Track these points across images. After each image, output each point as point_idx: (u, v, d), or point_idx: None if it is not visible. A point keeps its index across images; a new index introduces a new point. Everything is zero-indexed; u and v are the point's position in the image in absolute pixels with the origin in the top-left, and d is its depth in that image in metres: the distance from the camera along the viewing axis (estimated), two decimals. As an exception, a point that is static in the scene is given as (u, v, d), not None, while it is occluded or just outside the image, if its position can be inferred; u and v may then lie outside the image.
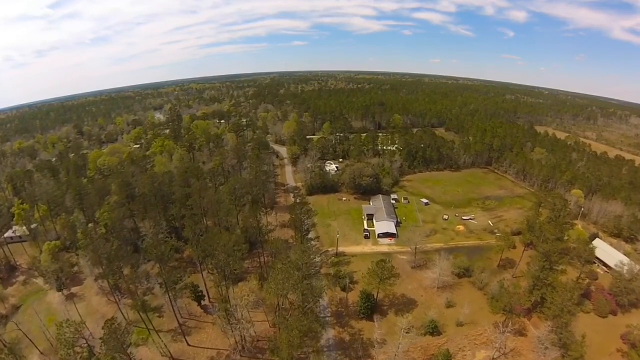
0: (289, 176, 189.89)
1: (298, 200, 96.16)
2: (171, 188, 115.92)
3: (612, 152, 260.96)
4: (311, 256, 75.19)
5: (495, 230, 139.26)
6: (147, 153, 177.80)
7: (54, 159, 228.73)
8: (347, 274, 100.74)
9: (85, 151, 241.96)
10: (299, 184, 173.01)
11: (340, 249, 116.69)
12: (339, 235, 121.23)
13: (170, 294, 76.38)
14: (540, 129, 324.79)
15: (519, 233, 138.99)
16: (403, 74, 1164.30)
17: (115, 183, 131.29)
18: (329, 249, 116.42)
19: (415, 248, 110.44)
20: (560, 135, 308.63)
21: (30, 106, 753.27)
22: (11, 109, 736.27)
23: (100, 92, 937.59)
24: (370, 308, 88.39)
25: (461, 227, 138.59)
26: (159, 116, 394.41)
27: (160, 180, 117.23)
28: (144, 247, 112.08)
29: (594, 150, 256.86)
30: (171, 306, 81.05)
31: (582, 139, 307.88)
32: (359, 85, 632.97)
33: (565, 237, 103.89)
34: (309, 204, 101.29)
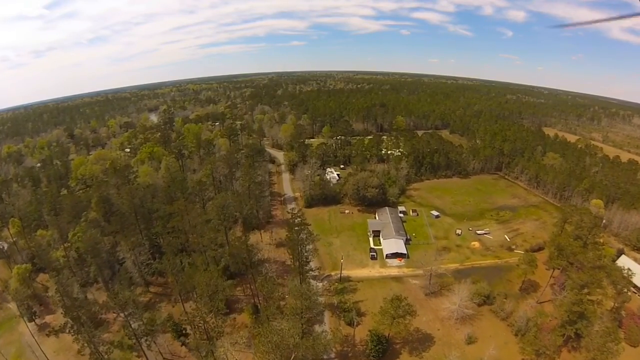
0: (286, 185, 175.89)
1: (297, 221, 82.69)
2: (154, 204, 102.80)
3: (623, 155, 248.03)
4: (312, 297, 62.58)
5: (513, 247, 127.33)
6: (133, 161, 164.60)
7: (39, 165, 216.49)
8: (352, 305, 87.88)
9: (72, 157, 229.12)
10: (297, 195, 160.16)
11: (345, 272, 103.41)
12: (343, 256, 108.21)
13: (140, 344, 63.62)
14: (547, 131, 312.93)
15: (539, 249, 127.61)
16: (402, 74, 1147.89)
17: (94, 197, 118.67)
18: (332, 273, 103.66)
19: (431, 273, 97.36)
20: (569, 137, 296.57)
21: (27, 107, 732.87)
22: (8, 110, 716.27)
23: (99, 93, 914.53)
24: (382, 350, 75.67)
25: (476, 244, 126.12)
26: (153, 118, 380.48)
27: (141, 195, 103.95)
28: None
29: (606, 154, 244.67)
30: (144, 356, 68.18)
31: (592, 142, 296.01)
32: (359, 86, 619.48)
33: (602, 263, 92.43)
34: (309, 225, 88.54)
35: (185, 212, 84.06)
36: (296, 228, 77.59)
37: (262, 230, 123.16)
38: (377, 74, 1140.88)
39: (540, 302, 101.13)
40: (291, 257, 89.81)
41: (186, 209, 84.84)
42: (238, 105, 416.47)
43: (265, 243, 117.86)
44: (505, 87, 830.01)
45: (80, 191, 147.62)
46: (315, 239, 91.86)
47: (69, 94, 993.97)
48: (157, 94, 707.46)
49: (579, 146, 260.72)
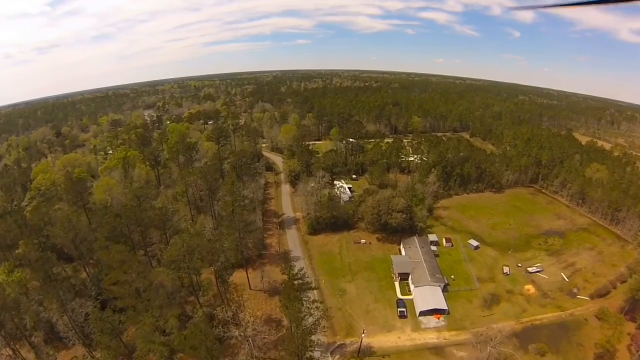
0: (286, 200, 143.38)
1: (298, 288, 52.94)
2: (98, 239, 73.11)
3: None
4: None
5: (575, 290, 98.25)
6: (101, 168, 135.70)
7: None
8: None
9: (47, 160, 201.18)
10: (299, 215, 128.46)
11: (365, 339, 72.59)
12: (364, 330, 74.66)
13: None
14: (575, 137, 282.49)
15: (606, 293, 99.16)
16: (408, 73, 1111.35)
17: (33, 219, 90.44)
18: (346, 342, 73.53)
19: (489, 347, 67.48)
20: (600, 143, 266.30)
21: (28, 104, 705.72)
22: (10, 106, 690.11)
23: (101, 90, 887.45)
24: None
25: (531, 288, 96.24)
26: (147, 116, 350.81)
27: (80, 227, 74.51)
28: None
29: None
30: None
31: (630, 151, 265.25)
32: (366, 84, 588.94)
33: None
34: (316, 288, 59.21)
35: (126, 265, 55.15)
36: (297, 305, 47.76)
37: (250, 268, 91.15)
38: (383, 73, 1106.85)
39: (626, 377, 73.15)
40: (288, 319, 61.32)
41: (127, 260, 55.90)
42: (237, 102, 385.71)
43: (254, 289, 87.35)
44: (513, 87, 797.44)
45: (31, 208, 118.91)
46: (328, 315, 62.13)
47: (73, 90, 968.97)
48: (156, 90, 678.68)
49: (616, 154, 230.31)
